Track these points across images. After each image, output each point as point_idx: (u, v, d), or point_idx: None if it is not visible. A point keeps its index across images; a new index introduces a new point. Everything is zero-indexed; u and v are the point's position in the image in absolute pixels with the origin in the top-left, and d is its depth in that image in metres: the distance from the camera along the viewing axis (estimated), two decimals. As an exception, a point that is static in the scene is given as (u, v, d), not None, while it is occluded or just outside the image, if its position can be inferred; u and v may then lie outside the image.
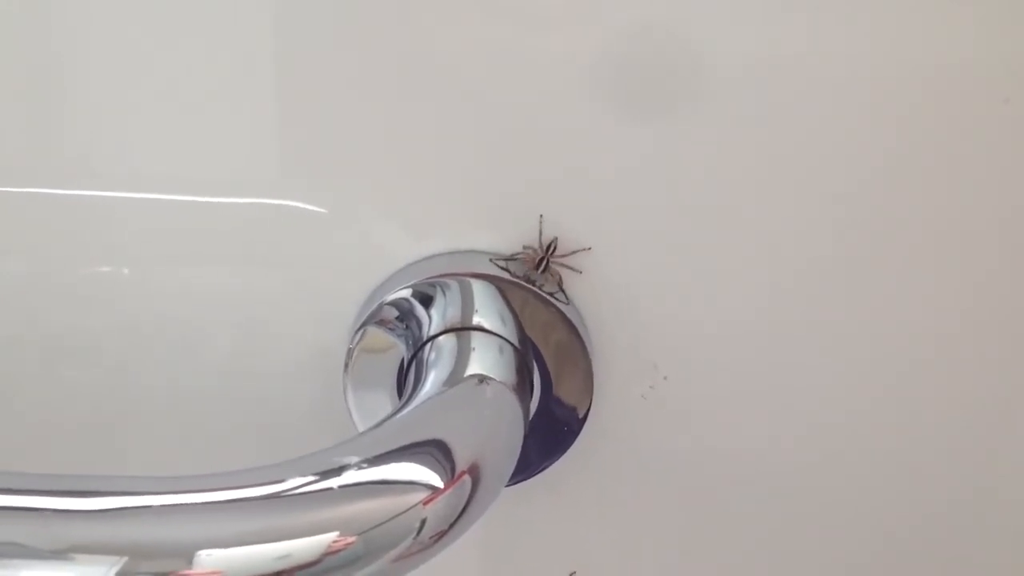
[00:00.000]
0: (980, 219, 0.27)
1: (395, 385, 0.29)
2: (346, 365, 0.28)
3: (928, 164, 0.27)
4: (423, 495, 0.22)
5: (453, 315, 0.27)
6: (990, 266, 0.28)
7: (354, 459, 0.22)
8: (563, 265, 0.27)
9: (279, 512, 0.21)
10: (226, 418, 0.31)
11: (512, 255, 0.28)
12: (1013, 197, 0.27)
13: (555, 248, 0.27)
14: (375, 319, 0.28)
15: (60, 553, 0.19)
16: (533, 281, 0.27)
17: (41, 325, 0.30)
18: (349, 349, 0.28)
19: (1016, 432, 0.30)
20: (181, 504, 0.20)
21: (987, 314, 0.28)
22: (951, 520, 0.31)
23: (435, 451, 0.22)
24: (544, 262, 0.27)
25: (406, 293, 0.28)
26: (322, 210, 0.28)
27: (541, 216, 0.27)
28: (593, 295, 0.28)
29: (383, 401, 0.29)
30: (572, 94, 0.26)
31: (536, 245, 0.27)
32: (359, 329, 0.28)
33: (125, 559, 0.19)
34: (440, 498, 0.22)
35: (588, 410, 0.29)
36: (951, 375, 0.29)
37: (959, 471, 0.31)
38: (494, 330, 0.27)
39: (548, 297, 0.27)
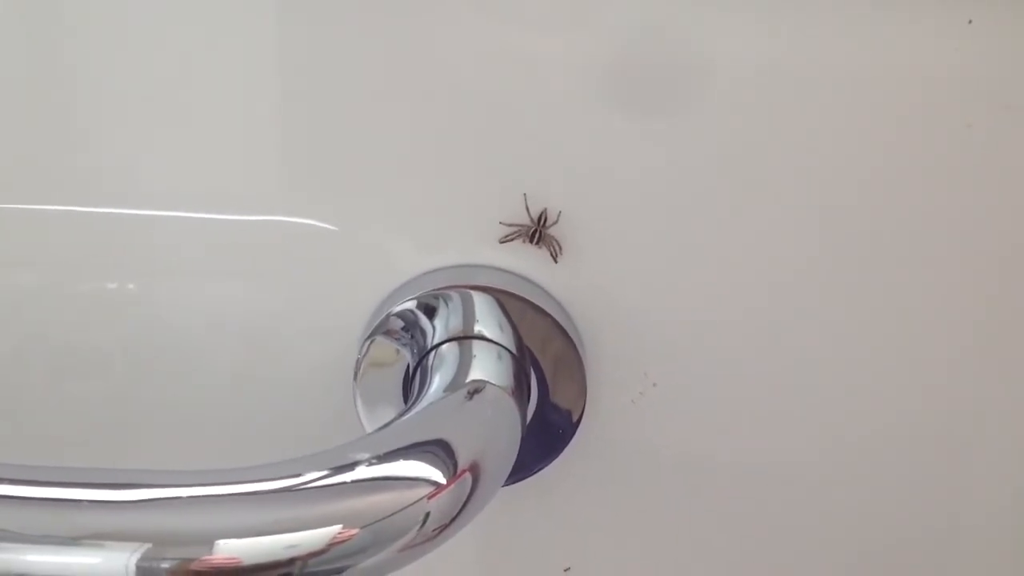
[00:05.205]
0: (980, 221, 0.28)
1: (401, 391, 0.29)
2: (355, 373, 0.29)
3: (922, 169, 0.27)
4: (427, 490, 0.23)
5: (455, 325, 0.28)
6: (988, 269, 0.28)
7: (365, 455, 0.23)
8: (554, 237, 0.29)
9: (294, 504, 0.22)
10: (237, 428, 0.31)
11: (508, 235, 0.29)
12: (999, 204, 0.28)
13: (546, 219, 0.28)
14: (382, 330, 0.29)
15: (88, 539, 0.20)
16: None
17: (48, 338, 0.31)
18: (358, 359, 0.29)
19: (1018, 433, 0.30)
20: (203, 496, 0.21)
21: (981, 316, 0.29)
22: (951, 519, 0.32)
23: (439, 450, 0.23)
24: (538, 233, 0.28)
25: (411, 305, 0.29)
26: (332, 227, 0.29)
27: (525, 194, 0.28)
28: (587, 304, 0.29)
29: (390, 406, 0.29)
30: (579, 108, 0.27)
31: (526, 221, 0.28)
32: (367, 339, 0.29)
33: (148, 546, 0.20)
34: (443, 493, 0.23)
35: (581, 414, 0.30)
36: (948, 375, 0.30)
37: (958, 471, 0.31)
38: (494, 338, 0.28)
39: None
